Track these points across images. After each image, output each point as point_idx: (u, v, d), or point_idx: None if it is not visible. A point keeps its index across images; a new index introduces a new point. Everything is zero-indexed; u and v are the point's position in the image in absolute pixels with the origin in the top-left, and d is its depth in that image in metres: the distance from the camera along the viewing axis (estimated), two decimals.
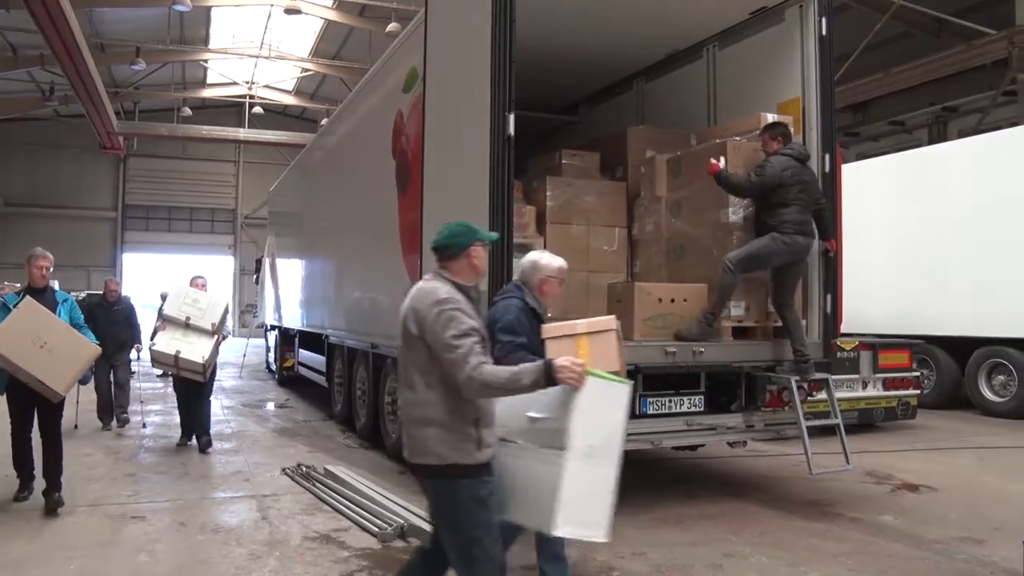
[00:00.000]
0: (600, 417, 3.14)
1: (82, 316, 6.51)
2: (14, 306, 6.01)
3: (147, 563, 4.98)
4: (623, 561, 5.05)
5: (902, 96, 17.37)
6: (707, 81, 7.87)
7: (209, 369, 8.47)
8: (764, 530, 5.70)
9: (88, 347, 6.10)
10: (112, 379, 10.04)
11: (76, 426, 9.40)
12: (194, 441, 8.72)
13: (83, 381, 8.87)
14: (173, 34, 24.67)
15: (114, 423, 10.04)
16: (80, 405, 9.42)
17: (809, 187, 6.30)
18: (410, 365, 3.22)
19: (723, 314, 6.29)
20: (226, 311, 8.68)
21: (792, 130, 6.47)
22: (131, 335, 10.12)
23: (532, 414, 3.21)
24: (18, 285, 7.85)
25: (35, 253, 6.31)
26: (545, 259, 4.43)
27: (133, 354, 10.22)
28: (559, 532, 3.14)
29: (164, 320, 8.52)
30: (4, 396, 6.19)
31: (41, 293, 6.25)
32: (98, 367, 8.94)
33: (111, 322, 9.75)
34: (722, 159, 6.30)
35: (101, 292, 10.47)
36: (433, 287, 3.23)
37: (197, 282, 8.89)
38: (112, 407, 10.09)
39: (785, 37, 6.95)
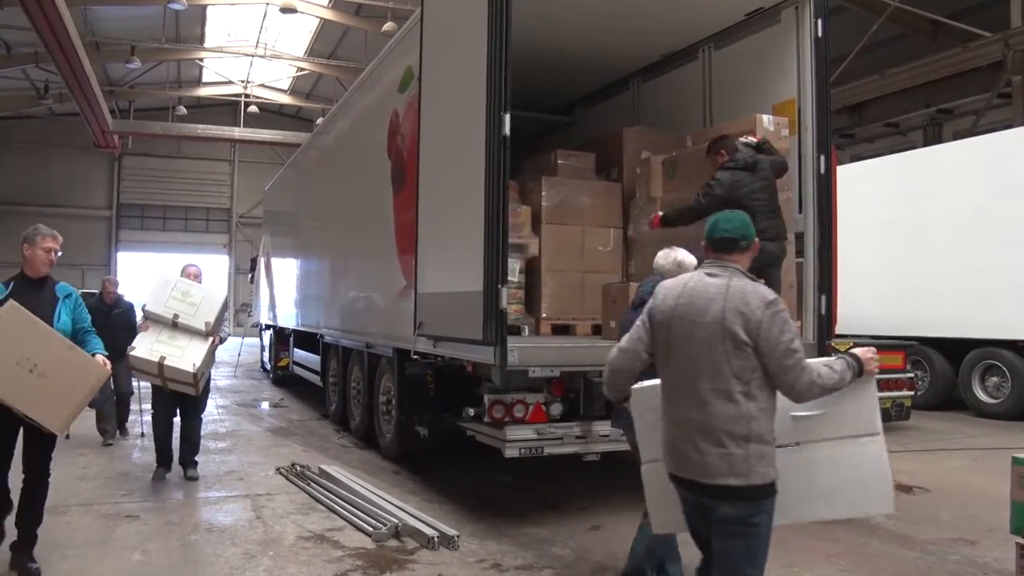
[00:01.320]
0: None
1: (89, 318, 5.05)
2: (0, 301, 4.56)
3: (140, 562, 4.96)
4: (617, 561, 5.04)
5: (897, 98, 17.42)
6: (703, 82, 7.88)
7: (203, 380, 6.93)
8: None
9: (94, 369, 4.63)
10: (112, 390, 8.75)
11: (68, 436, 8.25)
12: (177, 493, 6.81)
13: (91, 404, 7.63)
14: (168, 32, 24.62)
15: (117, 434, 9.15)
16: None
17: (766, 189, 6.08)
18: (729, 374, 2.90)
19: None
20: (224, 308, 7.11)
21: (736, 142, 6.24)
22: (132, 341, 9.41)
23: (797, 413, 3.09)
24: None
25: (38, 231, 4.81)
26: (690, 257, 4.50)
27: None
28: (890, 509, 3.29)
29: (146, 319, 6.76)
30: None
31: (38, 286, 4.77)
32: None
33: (110, 327, 8.18)
34: (659, 212, 6.45)
35: (98, 292, 9.43)
36: (753, 286, 3.00)
37: (189, 271, 7.24)
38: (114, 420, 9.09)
39: (781, 39, 6.95)
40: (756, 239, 3.21)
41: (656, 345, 3.16)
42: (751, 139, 6.33)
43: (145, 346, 6.61)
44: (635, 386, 3.37)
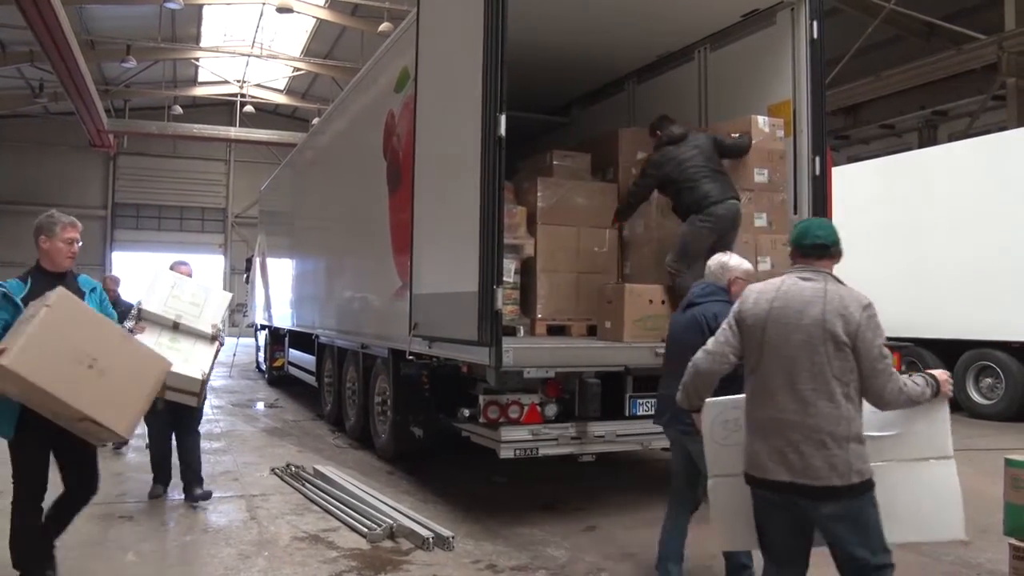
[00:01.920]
0: None
1: (116, 314, 4.73)
2: (22, 299, 4.05)
3: (134, 563, 4.96)
4: (612, 562, 5.05)
5: (893, 100, 17.45)
6: (698, 83, 7.89)
7: (205, 389, 6.07)
8: None
9: (156, 362, 4.30)
10: None
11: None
12: (173, 493, 6.59)
13: None
14: (164, 32, 24.60)
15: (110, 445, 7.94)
16: None
17: (698, 156, 6.27)
18: (830, 375, 2.96)
19: None
20: (228, 308, 6.49)
21: (669, 118, 6.66)
22: None
23: (870, 433, 3.08)
24: None
25: (57, 220, 4.28)
26: (734, 260, 4.55)
27: None
28: (962, 535, 3.28)
29: (142, 320, 5.83)
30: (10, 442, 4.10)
31: (59, 280, 4.18)
32: None
33: None
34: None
35: None
36: (848, 289, 3.08)
37: (180, 269, 6.58)
38: None
39: (776, 40, 6.97)
40: (842, 247, 3.29)
41: (747, 348, 3.19)
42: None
43: None
44: (707, 400, 3.39)
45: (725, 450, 3.30)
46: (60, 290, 3.90)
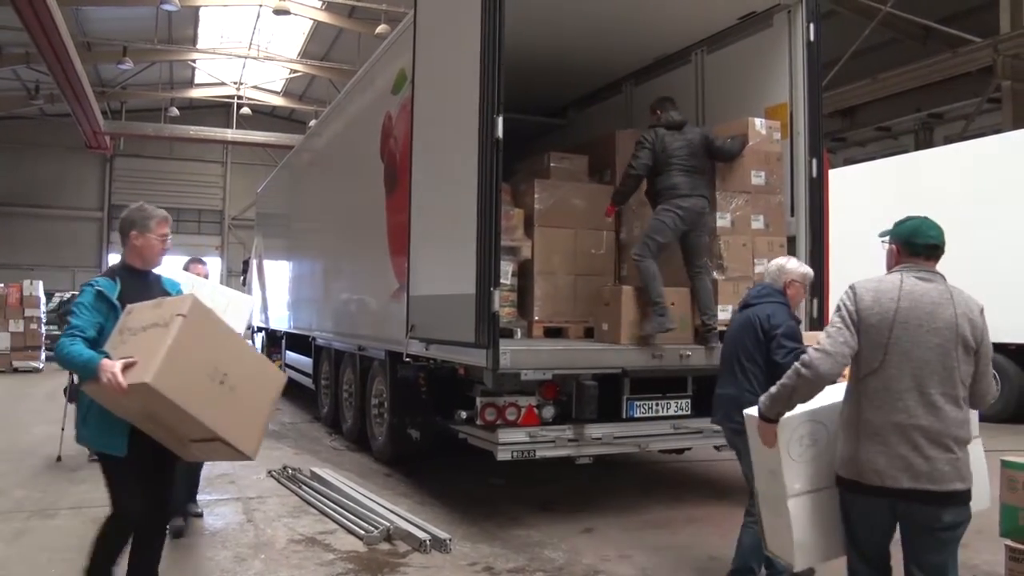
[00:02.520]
0: None
1: None
2: (118, 298, 3.66)
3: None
4: (609, 564, 5.05)
5: (889, 102, 17.49)
6: (695, 85, 7.89)
7: None
8: None
9: (276, 376, 3.90)
10: None
11: (59, 458, 7.97)
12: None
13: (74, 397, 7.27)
14: (161, 34, 24.56)
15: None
16: (66, 433, 7.67)
17: (685, 148, 6.28)
18: (958, 379, 2.95)
19: (661, 302, 6.05)
20: (250, 315, 5.54)
21: (673, 102, 6.61)
22: None
23: None
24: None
25: (150, 213, 3.94)
26: (792, 263, 4.60)
27: None
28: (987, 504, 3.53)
29: None
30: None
31: (146, 279, 3.89)
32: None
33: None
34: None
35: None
36: (967, 294, 3.11)
37: (195, 268, 6.02)
38: None
39: (773, 42, 6.98)
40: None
41: (866, 348, 3.03)
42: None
43: None
44: (783, 417, 3.24)
45: (802, 466, 3.22)
46: (192, 296, 3.52)
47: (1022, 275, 10.75)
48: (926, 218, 3.25)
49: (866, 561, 3.16)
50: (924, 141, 18.48)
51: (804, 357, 3.07)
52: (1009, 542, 4.05)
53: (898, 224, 3.28)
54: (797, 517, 3.27)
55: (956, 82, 15.85)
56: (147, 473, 3.72)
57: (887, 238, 3.32)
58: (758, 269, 6.48)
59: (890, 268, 3.23)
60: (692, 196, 6.19)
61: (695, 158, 6.31)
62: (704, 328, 6.22)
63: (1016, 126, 13.69)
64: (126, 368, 3.24)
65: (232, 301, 5.67)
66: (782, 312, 4.38)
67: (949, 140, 16.18)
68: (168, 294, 3.87)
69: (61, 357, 3.47)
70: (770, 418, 3.20)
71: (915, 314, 2.98)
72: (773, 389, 3.18)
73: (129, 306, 3.60)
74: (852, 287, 3.13)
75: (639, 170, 6.34)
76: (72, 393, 7.25)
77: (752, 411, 3.37)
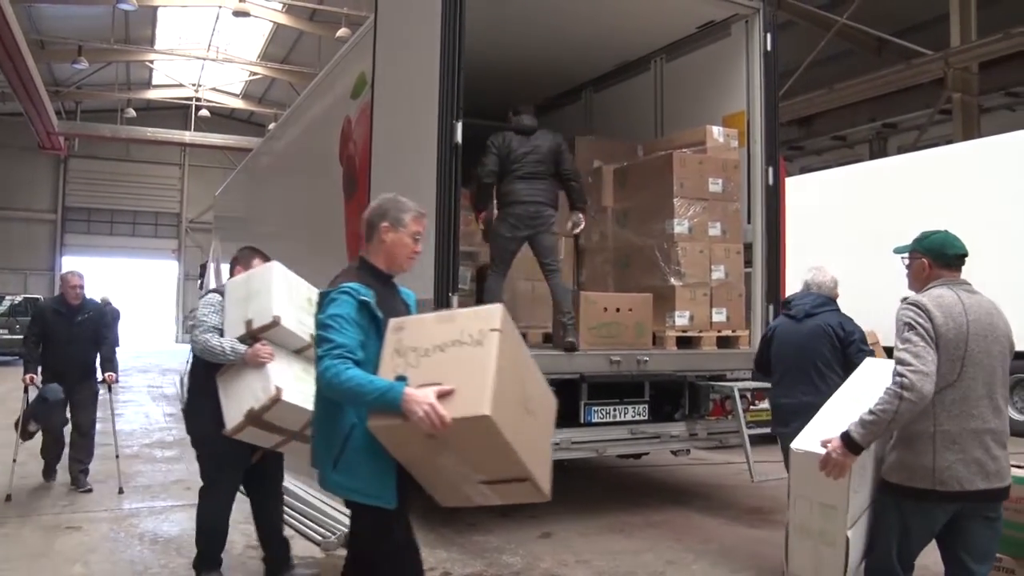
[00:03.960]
0: None
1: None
2: (391, 314, 2.97)
3: (82, 574, 4.85)
4: (567, 569, 5.07)
5: (845, 112, 17.80)
6: (654, 93, 7.98)
7: None
8: (707, 537, 5.76)
9: (552, 395, 3.22)
10: (70, 421, 6.97)
11: (8, 497, 6.51)
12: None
13: (27, 435, 6.85)
14: (117, 33, 24.18)
15: (60, 480, 7.07)
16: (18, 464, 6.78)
17: (529, 155, 6.27)
18: (1007, 383, 3.22)
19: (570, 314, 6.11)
20: None
21: (530, 107, 6.66)
22: (103, 356, 7.09)
23: None
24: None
25: (405, 206, 3.16)
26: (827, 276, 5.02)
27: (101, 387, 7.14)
28: None
29: (253, 337, 4.23)
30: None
31: (387, 286, 3.18)
32: (50, 404, 6.59)
33: (73, 338, 6.78)
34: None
35: (52, 294, 7.43)
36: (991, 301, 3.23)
37: (253, 262, 4.88)
38: (60, 457, 7.08)
39: (731, 51, 7.08)
40: None
41: (944, 363, 3.04)
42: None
43: (293, 385, 4.09)
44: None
45: (858, 495, 3.18)
46: (501, 307, 2.88)
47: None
48: (946, 231, 3.34)
49: (908, 567, 3.23)
50: (878, 150, 18.85)
51: (903, 380, 2.95)
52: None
53: (923, 238, 3.34)
54: (855, 545, 3.21)
55: (909, 93, 16.18)
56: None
57: (906, 254, 3.38)
58: (715, 276, 6.56)
59: (921, 281, 3.29)
60: (527, 203, 6.17)
61: (541, 165, 6.30)
62: (563, 329, 6.12)
63: (966, 136, 14.01)
64: (441, 398, 2.60)
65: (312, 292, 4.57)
66: (848, 320, 4.84)
67: (902, 150, 16.51)
68: (407, 305, 3.28)
69: (336, 386, 2.72)
70: (862, 447, 3.03)
71: (981, 326, 3.11)
72: (867, 416, 3.00)
73: (396, 320, 2.91)
74: (918, 304, 3.11)
75: (487, 178, 6.30)
76: (26, 427, 6.77)
77: (804, 446, 3.24)
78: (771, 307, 6.66)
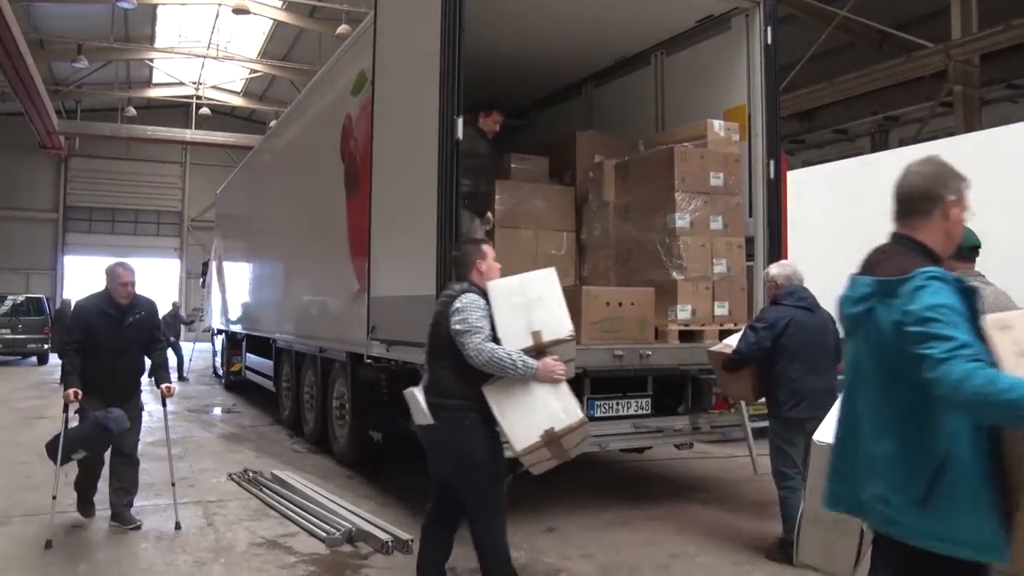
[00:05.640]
0: None
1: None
2: None
3: (86, 572, 4.87)
4: (571, 563, 5.08)
5: (846, 105, 17.75)
6: (655, 87, 7.96)
7: None
8: (710, 530, 5.78)
9: None
10: (110, 444, 5.63)
11: (49, 544, 5.30)
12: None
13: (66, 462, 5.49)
14: (117, 32, 24.14)
15: (99, 516, 5.92)
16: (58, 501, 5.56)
17: (474, 168, 6.47)
18: None
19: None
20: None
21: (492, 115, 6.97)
22: (156, 362, 6.05)
23: None
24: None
25: (962, 175, 2.67)
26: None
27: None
28: None
29: (538, 350, 4.06)
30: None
31: None
32: (111, 435, 5.41)
33: (125, 346, 5.66)
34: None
35: (100, 291, 5.80)
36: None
37: (489, 256, 4.42)
38: (95, 488, 5.90)
39: (731, 45, 7.06)
40: None
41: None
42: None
43: (571, 403, 4.00)
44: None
45: None
46: None
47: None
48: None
49: None
50: (880, 144, 18.78)
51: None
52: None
53: None
54: (869, 536, 3.12)
55: (911, 86, 16.14)
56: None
57: None
58: (717, 269, 6.56)
59: None
60: (472, 208, 6.59)
61: (479, 180, 6.69)
62: None
63: (968, 129, 13.97)
64: None
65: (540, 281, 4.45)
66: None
67: (904, 143, 16.46)
68: None
69: (991, 396, 2.01)
70: None
71: None
72: None
73: (996, 317, 2.37)
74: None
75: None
76: (67, 455, 5.46)
77: (827, 438, 3.03)
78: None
